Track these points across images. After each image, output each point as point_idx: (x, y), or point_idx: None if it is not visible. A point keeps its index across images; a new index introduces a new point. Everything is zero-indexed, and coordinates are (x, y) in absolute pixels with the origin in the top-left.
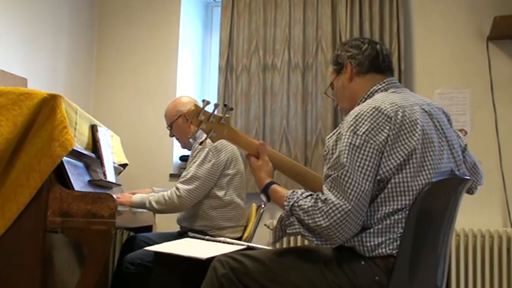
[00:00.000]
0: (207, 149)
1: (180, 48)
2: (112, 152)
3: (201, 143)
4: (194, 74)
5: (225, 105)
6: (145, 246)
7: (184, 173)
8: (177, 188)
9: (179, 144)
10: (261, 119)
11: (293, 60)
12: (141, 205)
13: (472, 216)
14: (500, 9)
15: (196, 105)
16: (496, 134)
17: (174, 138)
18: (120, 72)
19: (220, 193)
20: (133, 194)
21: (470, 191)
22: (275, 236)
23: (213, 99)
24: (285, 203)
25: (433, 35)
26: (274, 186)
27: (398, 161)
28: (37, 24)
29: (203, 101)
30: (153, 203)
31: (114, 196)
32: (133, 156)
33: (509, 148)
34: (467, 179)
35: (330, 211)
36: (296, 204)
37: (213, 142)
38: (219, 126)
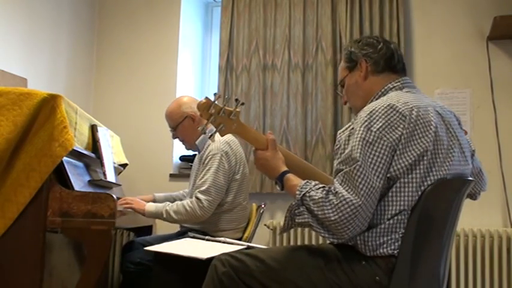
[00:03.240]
0: (219, 155)
1: (180, 48)
2: (112, 152)
3: (210, 137)
4: (194, 74)
5: (236, 100)
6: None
7: (199, 181)
8: (198, 199)
9: (180, 145)
10: (261, 119)
11: (293, 60)
12: (156, 215)
13: (472, 216)
14: (500, 9)
15: (207, 99)
16: (496, 134)
17: (174, 139)
18: (120, 72)
19: (229, 198)
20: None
21: (474, 197)
22: (284, 225)
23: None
24: (297, 192)
25: (433, 35)
26: (290, 174)
27: (410, 161)
28: (37, 24)
29: (214, 94)
30: (172, 214)
31: (128, 200)
32: (133, 156)
33: (509, 148)
34: (470, 180)
35: (340, 205)
36: (308, 194)
37: (222, 136)
38: (228, 121)
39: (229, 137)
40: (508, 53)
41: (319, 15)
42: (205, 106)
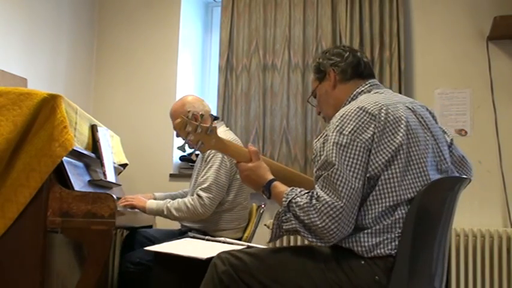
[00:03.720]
0: (220, 153)
1: (180, 48)
2: (112, 152)
3: (190, 154)
4: (194, 74)
5: (210, 115)
6: (146, 242)
7: (200, 179)
8: (200, 196)
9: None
10: (261, 119)
11: (293, 60)
12: (157, 212)
13: (472, 216)
14: (500, 9)
15: (181, 117)
16: (496, 134)
17: (174, 138)
18: (120, 72)
19: (230, 197)
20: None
21: None
22: (272, 234)
23: (213, 99)
24: (283, 199)
25: (433, 35)
26: (277, 182)
27: (386, 157)
28: (37, 24)
29: (188, 112)
30: (173, 211)
31: (128, 198)
32: (134, 156)
33: (509, 148)
34: (463, 178)
35: (323, 208)
36: (293, 201)
37: (202, 153)
38: (206, 137)
39: (230, 135)
40: (508, 53)
41: (319, 15)
42: (182, 125)
